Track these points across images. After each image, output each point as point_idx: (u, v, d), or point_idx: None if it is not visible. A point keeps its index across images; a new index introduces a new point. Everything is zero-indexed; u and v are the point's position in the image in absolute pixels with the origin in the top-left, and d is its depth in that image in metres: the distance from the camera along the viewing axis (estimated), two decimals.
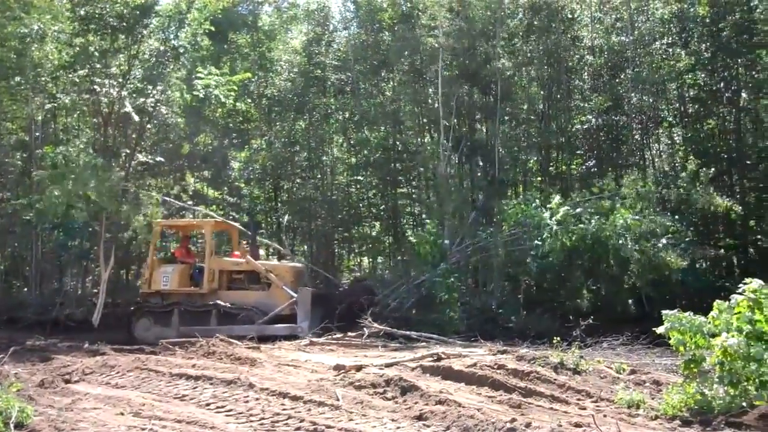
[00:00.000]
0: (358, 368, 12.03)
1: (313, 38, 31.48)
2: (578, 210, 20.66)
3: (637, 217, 19.94)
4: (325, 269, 27.55)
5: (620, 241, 19.39)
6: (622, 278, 20.13)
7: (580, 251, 20.17)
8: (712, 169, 23.27)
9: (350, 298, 21.47)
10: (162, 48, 22.48)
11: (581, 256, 20.35)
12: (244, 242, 22.70)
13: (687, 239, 20.92)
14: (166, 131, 25.39)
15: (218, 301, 20.21)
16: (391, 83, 29.96)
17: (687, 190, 21.65)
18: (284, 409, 9.30)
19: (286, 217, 30.83)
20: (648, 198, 21.26)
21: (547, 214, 20.65)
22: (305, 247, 31.87)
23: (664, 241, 19.84)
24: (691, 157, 25.77)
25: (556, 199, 21.32)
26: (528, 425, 7.95)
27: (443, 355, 13.62)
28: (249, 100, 30.73)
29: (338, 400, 9.66)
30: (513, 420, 8.15)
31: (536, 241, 20.29)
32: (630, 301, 20.48)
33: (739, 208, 23.39)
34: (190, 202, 25.06)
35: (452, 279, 20.43)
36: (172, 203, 24.24)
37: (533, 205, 21.52)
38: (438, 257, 21.74)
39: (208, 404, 9.93)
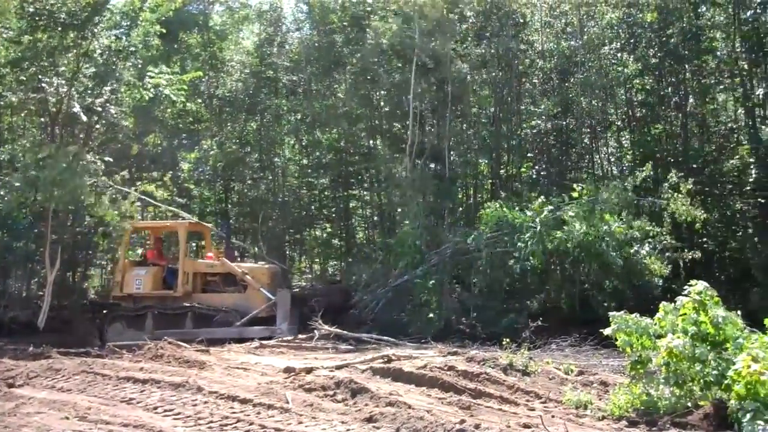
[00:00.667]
0: (309, 371, 11.98)
1: (265, 39, 31.27)
2: (558, 213, 20.68)
3: (622, 223, 20.05)
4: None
5: (603, 246, 19.47)
6: (602, 282, 20.20)
7: (561, 255, 20.25)
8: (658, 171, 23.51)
9: (327, 300, 21.40)
10: (113, 47, 22.12)
11: (563, 260, 20.49)
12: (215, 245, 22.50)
13: (664, 243, 21.02)
14: (115, 131, 25.00)
15: (196, 304, 20.03)
16: (344, 85, 29.90)
17: (666, 199, 21.78)
18: (233, 413, 9.21)
19: (232, 219, 30.56)
20: (629, 204, 21.39)
21: (530, 215, 20.68)
22: (256, 249, 31.67)
23: (647, 248, 20.02)
24: (638, 159, 26.08)
25: (539, 200, 21.35)
26: (477, 426, 7.98)
27: (394, 357, 13.63)
28: (199, 101, 30.44)
29: (288, 402, 9.61)
30: (462, 421, 8.17)
31: (519, 243, 20.15)
32: (613, 304, 20.62)
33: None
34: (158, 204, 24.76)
35: (432, 281, 20.43)
36: (149, 201, 23.93)
37: (515, 208, 21.62)
38: (418, 258, 21.71)
39: (155, 408, 9.80)
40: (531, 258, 19.74)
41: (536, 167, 29.84)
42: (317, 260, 33.14)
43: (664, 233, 20.65)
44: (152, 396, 10.42)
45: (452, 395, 10.26)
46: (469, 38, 28.25)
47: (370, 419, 8.69)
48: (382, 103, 29.15)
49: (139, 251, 24.68)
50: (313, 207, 31.71)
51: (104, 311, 21.30)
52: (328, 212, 31.71)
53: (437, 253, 22.13)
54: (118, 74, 21.92)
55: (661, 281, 19.73)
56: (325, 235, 31.91)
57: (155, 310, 20.09)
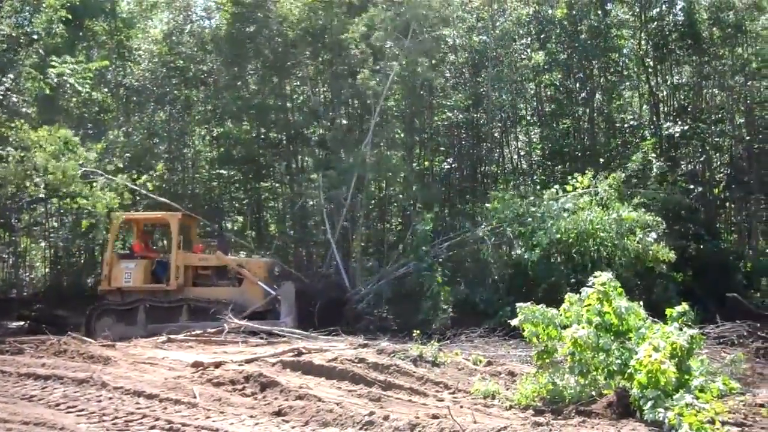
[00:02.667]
0: (217, 365, 11.81)
1: (174, 27, 30.63)
2: (568, 204, 20.64)
3: (633, 212, 20.09)
4: None
5: (611, 234, 19.59)
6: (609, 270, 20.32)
7: (568, 244, 20.18)
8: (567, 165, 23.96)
9: (326, 294, 21.14)
10: (14, 34, 21.37)
11: (568, 250, 20.38)
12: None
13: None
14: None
15: (197, 296, 19.79)
16: (255, 76, 29.55)
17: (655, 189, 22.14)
18: (138, 408, 9.00)
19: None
20: (629, 195, 21.62)
21: (544, 205, 20.76)
22: (165, 242, 31.11)
23: (654, 235, 20.23)
24: (546, 154, 26.55)
25: (552, 190, 21.44)
26: (386, 418, 7.99)
27: (304, 350, 13.56)
28: (106, 90, 29.64)
29: (195, 397, 9.44)
30: (372, 413, 8.18)
31: (536, 234, 20.11)
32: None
33: None
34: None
35: (439, 273, 20.28)
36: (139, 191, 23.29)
37: (528, 198, 21.71)
38: (424, 251, 21.51)
39: (58, 405, 9.50)
40: (535, 248, 19.79)
41: (448, 160, 30.13)
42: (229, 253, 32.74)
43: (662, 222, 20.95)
44: (55, 392, 10.10)
45: (362, 387, 10.27)
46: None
47: (279, 413, 8.62)
48: (294, 95, 28.89)
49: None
50: (223, 199, 31.30)
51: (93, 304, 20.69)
52: (240, 205, 31.35)
53: (432, 246, 22.00)
54: (20, 62, 21.22)
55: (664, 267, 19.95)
56: (236, 228, 31.52)
57: (147, 303, 19.65)
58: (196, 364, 11.97)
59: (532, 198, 21.64)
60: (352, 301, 21.57)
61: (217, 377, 10.73)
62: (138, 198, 24.02)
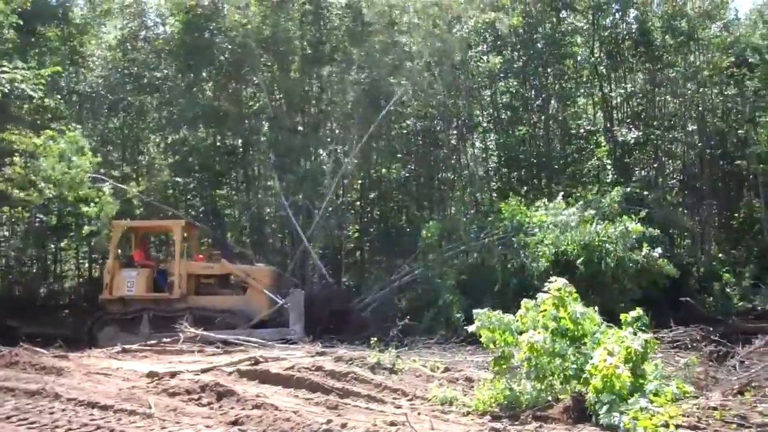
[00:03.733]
0: (173, 375, 11.65)
1: (128, 33, 30.32)
2: (574, 216, 20.68)
3: (639, 225, 20.21)
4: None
5: (618, 248, 19.66)
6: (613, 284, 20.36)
7: (574, 256, 20.14)
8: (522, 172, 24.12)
9: (331, 303, 20.94)
10: None
11: (574, 262, 20.26)
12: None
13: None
14: None
15: (202, 305, 19.63)
16: (211, 82, 29.35)
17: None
18: (93, 420, 8.84)
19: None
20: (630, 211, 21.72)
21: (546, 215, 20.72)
22: (120, 251, 30.71)
23: (660, 250, 20.35)
24: (503, 160, 26.72)
25: (557, 200, 21.48)
26: (344, 426, 7.96)
27: (261, 359, 13.46)
28: (59, 96, 29.23)
29: (151, 408, 9.30)
30: (329, 421, 8.13)
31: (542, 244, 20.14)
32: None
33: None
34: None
35: (450, 280, 20.18)
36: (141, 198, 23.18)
37: (537, 209, 21.63)
38: (433, 257, 21.42)
39: (8, 417, 9.27)
40: (541, 259, 19.81)
41: (406, 167, 30.20)
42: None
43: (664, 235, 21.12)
44: (5, 405, 9.85)
45: (320, 395, 10.20)
46: (338, 38, 28.26)
47: (235, 422, 8.53)
48: (250, 102, 28.74)
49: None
50: (179, 207, 30.99)
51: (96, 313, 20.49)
52: (196, 212, 31.09)
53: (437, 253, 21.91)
54: None
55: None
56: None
57: (151, 313, 19.43)
58: (151, 374, 11.80)
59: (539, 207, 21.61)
60: (356, 309, 21.45)
61: (172, 387, 10.58)
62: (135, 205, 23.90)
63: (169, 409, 9.28)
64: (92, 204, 20.41)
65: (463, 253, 22.20)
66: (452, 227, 22.06)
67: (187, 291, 20.08)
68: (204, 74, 28.89)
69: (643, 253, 19.64)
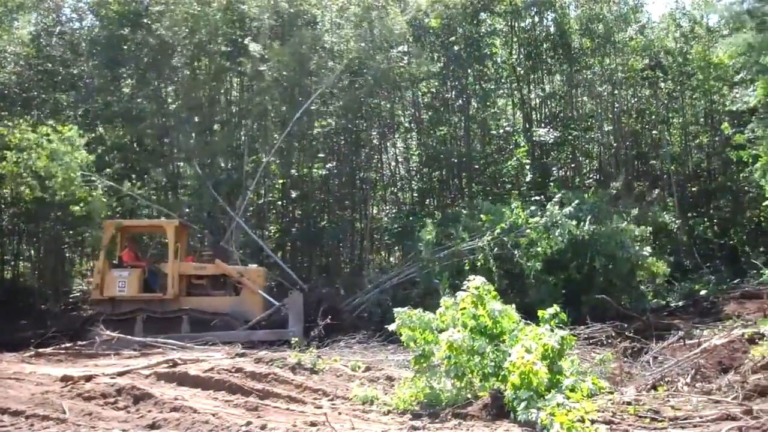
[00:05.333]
0: (88, 378, 11.36)
1: (42, 29, 29.48)
2: (566, 213, 20.53)
3: (630, 224, 20.48)
4: (53, 274, 26.00)
5: (609, 246, 19.83)
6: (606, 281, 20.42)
7: (566, 254, 20.16)
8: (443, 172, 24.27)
9: (320, 303, 20.50)
10: None
11: (567, 260, 20.32)
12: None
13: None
14: None
15: (195, 307, 19.26)
16: (130, 80, 28.78)
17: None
18: (3, 426, 8.57)
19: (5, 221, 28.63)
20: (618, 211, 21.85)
21: (547, 215, 20.51)
22: (32, 251, 29.91)
23: (649, 249, 20.52)
24: (424, 160, 26.84)
25: (555, 199, 21.30)
26: (263, 427, 7.89)
27: (179, 361, 13.23)
28: None
29: (65, 413, 9.07)
30: (249, 423, 8.06)
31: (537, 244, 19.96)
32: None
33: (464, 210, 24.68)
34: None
35: (449, 278, 19.74)
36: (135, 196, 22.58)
37: (529, 209, 21.42)
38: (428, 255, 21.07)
39: None
40: (534, 259, 19.68)
41: (327, 166, 30.13)
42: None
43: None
44: None
45: (239, 397, 10.09)
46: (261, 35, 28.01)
47: (153, 426, 8.38)
48: (169, 100, 28.26)
49: None
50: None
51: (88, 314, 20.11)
52: (112, 212, 30.43)
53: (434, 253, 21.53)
54: None
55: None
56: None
57: (145, 313, 19.03)
58: (66, 378, 11.50)
59: (533, 208, 21.64)
60: (346, 309, 21.22)
61: (87, 391, 10.32)
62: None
63: (84, 414, 9.07)
64: (82, 204, 20.01)
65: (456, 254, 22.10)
66: (449, 227, 21.89)
67: (179, 291, 19.83)
68: (122, 71, 28.30)
69: (632, 252, 20.03)
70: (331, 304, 21.09)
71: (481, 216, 21.86)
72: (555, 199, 21.44)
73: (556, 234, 19.77)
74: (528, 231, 20.32)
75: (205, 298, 20.07)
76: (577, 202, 20.99)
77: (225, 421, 8.28)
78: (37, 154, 19.67)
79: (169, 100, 28.32)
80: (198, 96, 27.07)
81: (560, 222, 20.08)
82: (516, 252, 20.09)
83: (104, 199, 20.29)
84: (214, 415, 8.72)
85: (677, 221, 26.73)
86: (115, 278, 19.67)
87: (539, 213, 20.84)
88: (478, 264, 20.16)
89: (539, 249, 19.81)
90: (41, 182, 19.96)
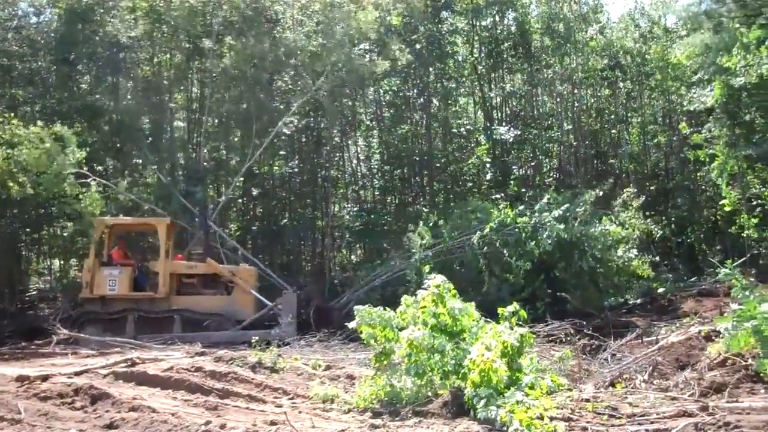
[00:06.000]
0: (44, 378, 11.20)
1: None
2: (557, 215, 20.51)
3: (618, 227, 20.47)
4: (9, 273, 25.59)
5: (597, 247, 19.82)
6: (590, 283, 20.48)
7: (554, 255, 20.12)
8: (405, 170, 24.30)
9: (310, 302, 20.32)
10: None
11: (554, 261, 20.28)
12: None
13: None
14: None
15: (187, 306, 19.13)
16: (88, 76, 28.41)
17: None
18: None
19: None
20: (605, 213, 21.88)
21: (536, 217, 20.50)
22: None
23: (635, 251, 20.60)
24: (385, 158, 26.86)
25: (546, 198, 21.40)
26: (223, 426, 7.85)
27: (138, 360, 13.11)
28: None
29: (20, 413, 8.95)
30: (208, 422, 8.01)
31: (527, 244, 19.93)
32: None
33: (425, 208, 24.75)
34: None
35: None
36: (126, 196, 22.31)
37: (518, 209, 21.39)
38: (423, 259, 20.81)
39: None
40: (522, 258, 19.65)
41: (289, 164, 30.02)
42: (58, 260, 31.28)
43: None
44: None
45: (199, 396, 10.02)
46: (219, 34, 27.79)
47: (110, 426, 8.29)
48: (128, 96, 27.95)
49: None
50: (53, 204, 29.88)
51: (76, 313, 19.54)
52: (71, 210, 30.01)
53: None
54: None
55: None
56: (65, 234, 30.15)
57: (135, 313, 18.80)
58: (21, 378, 11.32)
59: (522, 208, 21.65)
60: (336, 308, 21.06)
61: (43, 391, 10.19)
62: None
63: (40, 414, 8.96)
64: (76, 201, 19.74)
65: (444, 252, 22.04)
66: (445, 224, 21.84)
67: (170, 291, 19.64)
68: (80, 67, 27.93)
69: (619, 254, 20.16)
70: (320, 303, 21.07)
71: (470, 215, 21.99)
72: (543, 201, 21.63)
73: (545, 236, 19.89)
74: (516, 230, 20.47)
75: (197, 298, 19.91)
76: (567, 205, 21.20)
77: (184, 420, 8.22)
78: (28, 150, 19.35)
79: (129, 97, 28.00)
80: (157, 92, 26.84)
81: (548, 224, 20.21)
82: (506, 251, 20.20)
83: (97, 197, 19.98)
84: (173, 414, 8.66)
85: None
86: (105, 277, 19.44)
87: (527, 213, 20.97)
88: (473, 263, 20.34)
89: (527, 249, 19.90)
90: (31, 179, 19.63)
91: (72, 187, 20.03)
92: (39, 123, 19.92)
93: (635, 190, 24.99)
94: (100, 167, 24.55)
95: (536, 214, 20.70)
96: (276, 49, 26.37)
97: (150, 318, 19.10)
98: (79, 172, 20.58)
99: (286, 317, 18.77)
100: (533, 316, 15.38)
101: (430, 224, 21.19)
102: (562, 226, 19.97)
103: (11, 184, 19.53)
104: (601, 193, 22.65)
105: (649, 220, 24.68)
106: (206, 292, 20.22)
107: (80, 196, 20.15)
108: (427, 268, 19.57)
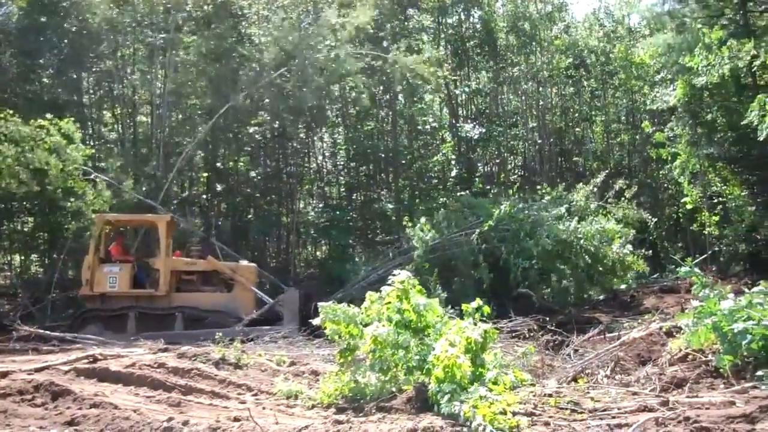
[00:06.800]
0: (3, 375, 11.04)
1: None
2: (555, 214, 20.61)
3: (613, 224, 20.59)
4: None
5: (594, 244, 19.83)
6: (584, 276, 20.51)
7: (554, 253, 20.05)
8: (371, 166, 24.25)
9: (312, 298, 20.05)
10: None
11: (553, 258, 20.22)
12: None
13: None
14: None
15: (188, 303, 18.99)
16: (49, 69, 28.01)
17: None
18: None
19: None
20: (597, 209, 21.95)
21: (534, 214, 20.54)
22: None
23: (630, 247, 20.66)
24: (351, 155, 26.81)
25: (547, 197, 21.44)
26: (186, 423, 7.78)
27: (100, 357, 12.97)
28: None
29: None
30: (170, 419, 7.94)
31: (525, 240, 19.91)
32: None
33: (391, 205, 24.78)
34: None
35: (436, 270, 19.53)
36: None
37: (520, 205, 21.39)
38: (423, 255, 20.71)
39: None
40: (520, 255, 19.66)
41: (260, 160, 29.89)
42: (18, 255, 30.83)
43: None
44: None
45: (161, 393, 9.92)
46: (184, 28, 27.59)
47: (71, 422, 8.19)
48: (90, 90, 27.64)
49: None
50: (14, 199, 29.43)
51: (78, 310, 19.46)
52: (31, 205, 29.59)
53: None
54: None
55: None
56: (26, 228, 29.72)
57: (136, 310, 18.62)
58: None
59: (521, 205, 21.66)
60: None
61: (3, 388, 10.03)
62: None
63: None
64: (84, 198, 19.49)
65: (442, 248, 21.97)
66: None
67: (170, 288, 19.46)
68: (42, 61, 27.52)
69: (615, 249, 20.29)
70: (319, 299, 20.94)
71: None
72: (544, 200, 21.78)
73: (544, 234, 19.99)
74: (514, 227, 20.55)
75: (198, 295, 19.74)
76: (566, 205, 21.38)
77: (146, 417, 8.15)
78: (30, 147, 19.10)
79: (91, 91, 27.70)
80: (121, 86, 26.58)
81: (548, 222, 20.34)
82: (504, 247, 20.25)
83: (107, 193, 19.83)
84: (135, 411, 8.58)
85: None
86: (105, 274, 19.21)
87: (526, 210, 21.05)
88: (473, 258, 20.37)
89: (526, 246, 19.97)
90: (37, 176, 19.37)
91: (78, 183, 19.83)
92: (48, 116, 19.65)
93: (627, 181, 25.26)
94: (102, 164, 24.28)
95: (534, 212, 20.84)
96: (241, 44, 26.22)
97: (151, 315, 18.95)
98: (85, 170, 20.40)
99: (288, 314, 18.74)
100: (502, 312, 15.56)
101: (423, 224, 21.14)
102: (561, 227, 20.16)
103: (10, 180, 19.26)
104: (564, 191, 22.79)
105: (642, 210, 24.99)
106: (205, 289, 20.09)
107: (86, 193, 19.96)
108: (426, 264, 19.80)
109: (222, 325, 18.47)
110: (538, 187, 23.35)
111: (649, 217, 25.34)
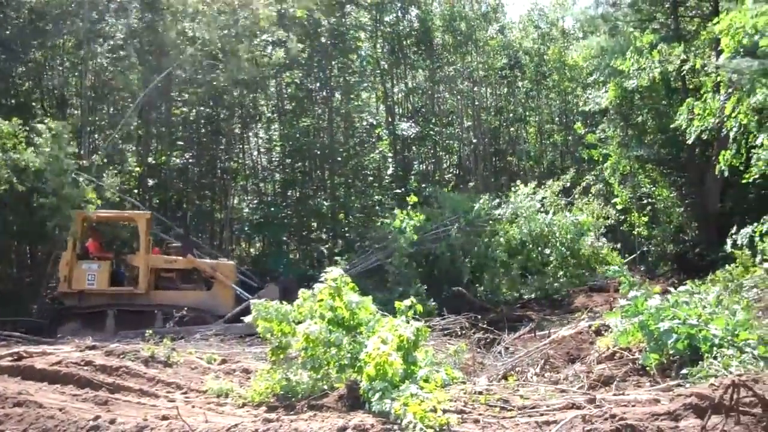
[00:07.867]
0: None
1: None
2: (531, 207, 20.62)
3: (586, 217, 20.83)
4: None
5: (568, 237, 19.99)
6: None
7: (528, 247, 20.18)
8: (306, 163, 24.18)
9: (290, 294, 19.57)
10: None
11: (528, 251, 20.32)
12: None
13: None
14: None
15: (167, 301, 18.57)
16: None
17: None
18: None
19: None
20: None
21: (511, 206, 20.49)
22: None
23: (605, 240, 20.88)
24: (287, 151, 26.68)
25: (524, 190, 21.45)
26: (113, 422, 7.63)
27: (25, 354, 12.65)
28: None
29: None
30: (97, 417, 7.78)
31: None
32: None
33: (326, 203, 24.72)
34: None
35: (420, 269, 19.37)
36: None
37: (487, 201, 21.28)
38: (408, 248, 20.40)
39: None
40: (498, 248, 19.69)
41: (186, 155, 29.50)
42: None
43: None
44: None
45: (88, 391, 9.72)
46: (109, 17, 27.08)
47: None
48: (18, 81, 26.93)
49: None
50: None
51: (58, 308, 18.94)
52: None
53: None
54: None
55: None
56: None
57: (115, 308, 18.19)
58: None
59: (497, 201, 21.81)
60: None
61: None
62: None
63: None
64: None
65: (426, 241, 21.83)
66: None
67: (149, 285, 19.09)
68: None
69: (589, 243, 20.45)
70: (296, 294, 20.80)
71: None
72: (520, 193, 21.99)
73: (521, 226, 20.15)
74: (491, 222, 20.66)
75: (177, 293, 19.43)
76: (541, 197, 21.55)
77: (72, 416, 7.97)
78: (13, 144, 18.53)
79: (19, 81, 27.00)
80: (51, 76, 26.00)
81: (525, 215, 20.51)
82: (481, 241, 20.38)
83: (92, 193, 19.35)
84: (60, 409, 8.39)
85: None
86: (84, 271, 18.78)
87: (502, 205, 21.20)
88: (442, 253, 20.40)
89: (502, 239, 20.13)
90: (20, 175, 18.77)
91: (71, 182, 19.43)
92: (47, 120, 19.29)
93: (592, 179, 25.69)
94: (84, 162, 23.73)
95: (511, 206, 21.06)
96: (175, 38, 25.86)
97: (130, 312, 18.63)
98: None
99: None
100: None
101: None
102: (540, 219, 20.43)
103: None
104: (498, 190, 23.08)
105: (608, 207, 25.41)
106: (184, 287, 19.86)
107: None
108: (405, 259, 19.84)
109: (203, 322, 18.35)
110: (512, 184, 23.71)
111: (614, 212, 25.79)
